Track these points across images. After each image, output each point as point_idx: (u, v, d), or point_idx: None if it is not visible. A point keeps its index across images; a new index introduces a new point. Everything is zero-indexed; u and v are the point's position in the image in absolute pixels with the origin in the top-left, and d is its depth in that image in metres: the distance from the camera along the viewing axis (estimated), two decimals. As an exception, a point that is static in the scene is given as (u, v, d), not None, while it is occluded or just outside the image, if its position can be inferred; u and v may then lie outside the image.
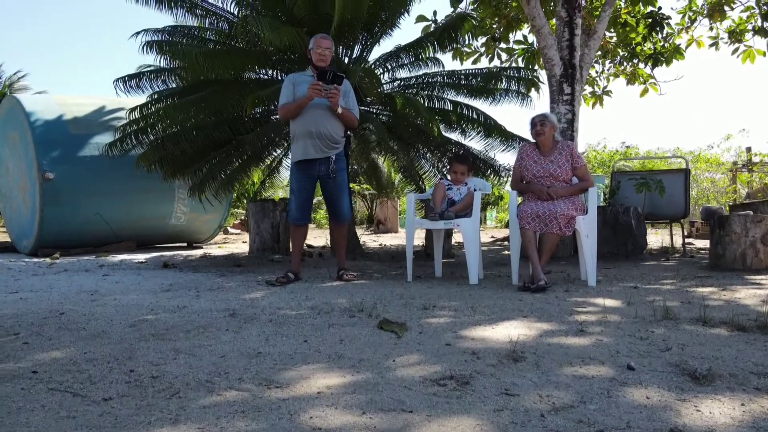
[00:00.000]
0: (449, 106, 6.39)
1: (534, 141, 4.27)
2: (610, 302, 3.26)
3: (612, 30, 8.86)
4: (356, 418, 1.50)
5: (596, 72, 9.77)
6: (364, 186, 14.68)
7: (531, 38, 8.97)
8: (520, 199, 4.37)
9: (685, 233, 7.55)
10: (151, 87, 6.08)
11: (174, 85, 6.18)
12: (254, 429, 1.44)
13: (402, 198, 15.06)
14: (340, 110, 4.20)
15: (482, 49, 9.15)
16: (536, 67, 9.10)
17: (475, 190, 4.47)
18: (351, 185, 4.50)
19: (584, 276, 4.22)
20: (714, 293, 3.56)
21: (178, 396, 1.70)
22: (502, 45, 9.11)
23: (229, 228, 12.61)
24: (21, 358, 2.16)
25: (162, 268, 5.56)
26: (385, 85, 6.39)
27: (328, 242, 8.45)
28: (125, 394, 1.72)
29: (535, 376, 1.86)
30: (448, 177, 4.76)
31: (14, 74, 21.23)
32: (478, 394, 1.69)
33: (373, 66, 6.52)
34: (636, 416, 1.50)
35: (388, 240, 10.63)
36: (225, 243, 10.14)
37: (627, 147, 18.24)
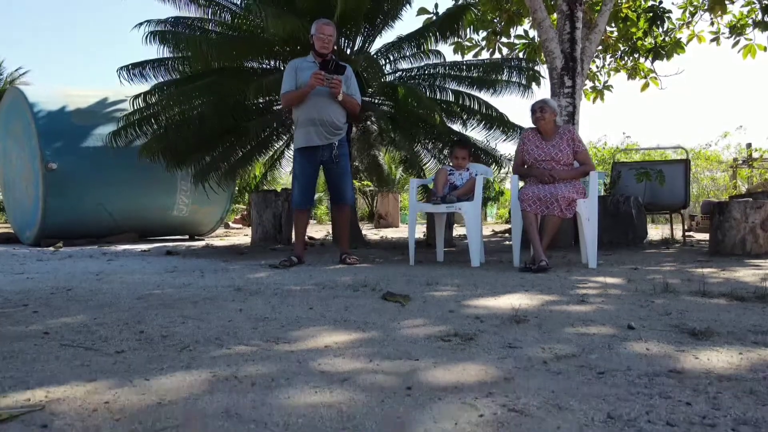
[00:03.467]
0: (451, 97, 6.43)
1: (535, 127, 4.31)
2: (611, 280, 3.30)
3: (613, 24, 8.90)
4: (363, 365, 1.54)
5: (597, 67, 9.82)
6: (365, 183, 14.72)
7: (532, 33, 9.02)
8: (521, 184, 4.41)
9: (686, 227, 7.58)
10: (154, 76, 6.12)
11: (177, 75, 6.22)
12: (265, 372, 1.48)
13: (403, 193, 15.11)
14: (341, 97, 4.24)
15: (483, 43, 9.20)
16: (537, 62, 9.17)
17: (476, 174, 4.51)
18: (352, 181, 4.55)
19: (585, 260, 4.25)
20: (714, 273, 3.59)
21: (189, 349, 1.74)
22: (503, 39, 9.16)
23: (230, 223, 12.65)
24: (32, 323, 2.19)
25: (165, 255, 5.60)
26: (387, 76, 6.43)
27: (330, 234, 8.50)
28: (137, 348, 1.76)
29: (538, 333, 1.90)
30: (450, 163, 4.79)
31: (15, 70, 21.32)
32: (483, 347, 1.73)
33: (375, 56, 6.56)
34: (636, 362, 1.53)
35: (390, 233, 10.65)
36: (227, 236, 10.18)
37: (628, 144, 18.28)
